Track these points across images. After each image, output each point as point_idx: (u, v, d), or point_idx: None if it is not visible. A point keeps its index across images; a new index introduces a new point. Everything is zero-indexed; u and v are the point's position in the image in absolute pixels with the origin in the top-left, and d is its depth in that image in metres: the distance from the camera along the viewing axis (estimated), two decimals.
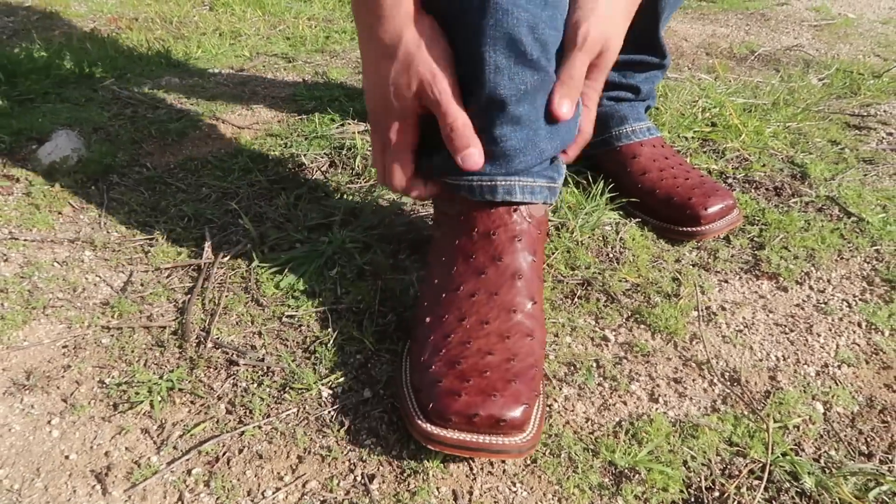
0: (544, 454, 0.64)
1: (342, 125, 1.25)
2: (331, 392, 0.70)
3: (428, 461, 0.63)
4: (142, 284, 0.86)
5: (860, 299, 0.86)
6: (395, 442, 0.65)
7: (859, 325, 0.82)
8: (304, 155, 1.15)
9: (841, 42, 2.06)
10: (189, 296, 0.83)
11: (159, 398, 0.69)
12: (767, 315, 0.84)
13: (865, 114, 1.45)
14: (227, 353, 0.75)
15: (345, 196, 1.03)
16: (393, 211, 1.00)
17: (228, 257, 0.90)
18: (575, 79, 0.67)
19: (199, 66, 1.57)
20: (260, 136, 1.22)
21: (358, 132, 1.21)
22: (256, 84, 1.47)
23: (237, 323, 0.80)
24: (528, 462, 0.63)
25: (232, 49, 1.72)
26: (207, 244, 0.92)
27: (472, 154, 0.65)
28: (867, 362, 0.77)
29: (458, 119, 0.64)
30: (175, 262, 0.90)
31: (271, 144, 1.19)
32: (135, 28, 1.89)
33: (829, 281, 0.89)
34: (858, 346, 0.79)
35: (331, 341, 0.77)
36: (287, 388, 0.70)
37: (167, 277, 0.87)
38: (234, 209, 1.01)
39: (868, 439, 0.68)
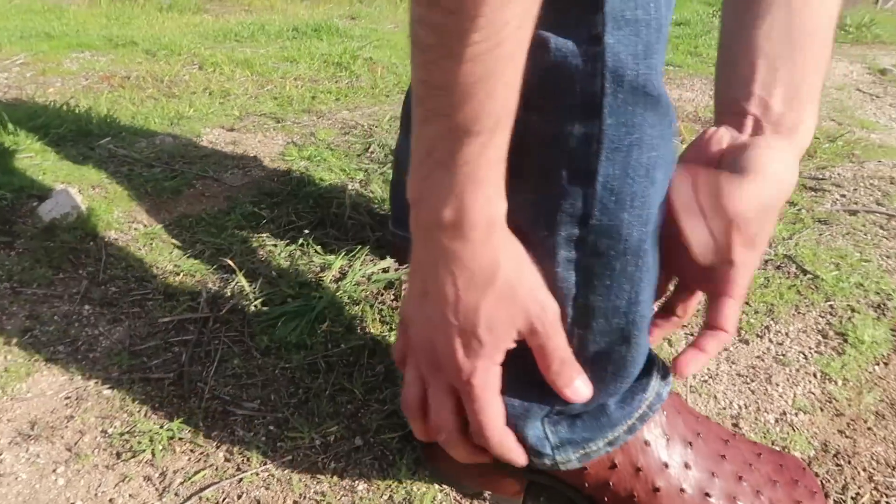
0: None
1: (331, 184, 1.31)
2: (323, 440, 0.75)
3: None
4: (140, 338, 0.90)
5: (815, 351, 0.93)
6: (386, 487, 0.69)
7: (815, 375, 0.89)
8: (295, 213, 1.20)
9: None
10: (186, 348, 0.87)
11: (160, 447, 0.72)
12: (730, 366, 0.90)
13: (821, 176, 1.55)
14: (224, 404, 0.79)
15: (334, 253, 1.08)
16: (381, 268, 1.05)
17: (223, 311, 0.95)
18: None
19: (191, 125, 1.64)
20: (252, 195, 1.28)
21: (347, 191, 1.28)
22: (247, 143, 1.54)
23: (233, 374, 0.84)
24: None
25: (222, 108, 1.79)
26: (203, 299, 0.97)
27: (581, 386, 0.54)
28: (822, 410, 0.83)
29: (566, 352, 0.52)
30: (172, 316, 0.94)
31: (263, 203, 1.24)
32: (126, 86, 1.95)
33: (787, 334, 0.96)
34: (814, 394, 0.85)
35: (322, 392, 0.81)
36: (282, 437, 0.74)
37: (165, 331, 0.91)
38: (229, 265, 1.05)
39: (823, 482, 0.73)
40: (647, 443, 0.60)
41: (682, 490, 0.59)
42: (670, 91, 2.29)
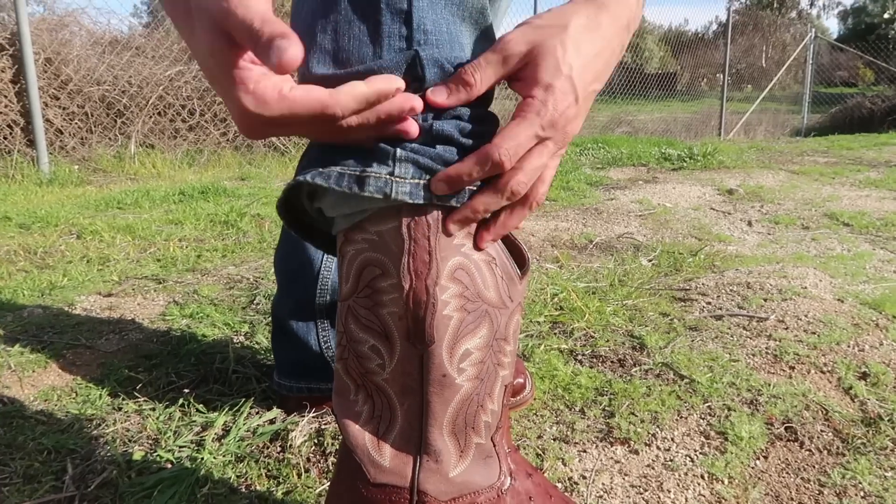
0: None
1: (214, 340, 1.28)
2: None
3: None
4: None
5: (700, 453, 0.96)
6: None
7: (702, 476, 0.91)
8: (175, 373, 1.16)
9: (663, 228, 2.39)
10: None
11: None
12: (623, 478, 0.91)
13: (688, 287, 1.67)
14: None
15: (218, 410, 1.04)
16: (267, 419, 1.01)
17: (92, 487, 0.87)
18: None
19: (64, 294, 1.57)
20: (129, 359, 1.22)
21: (231, 345, 1.24)
22: (125, 308, 1.49)
23: None
24: None
25: (100, 275, 1.74)
26: (68, 477, 0.89)
27: (286, 45, 0.45)
28: None
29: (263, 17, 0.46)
30: (32, 501, 0.85)
31: (141, 366, 1.19)
32: None
33: (672, 440, 0.99)
34: (704, 496, 0.87)
35: None
36: None
37: None
38: (99, 436, 0.98)
39: None
40: None
41: None
42: (547, 223, 2.44)
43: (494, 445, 0.63)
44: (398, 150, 0.54)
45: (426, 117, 0.55)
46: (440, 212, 0.55)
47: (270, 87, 0.48)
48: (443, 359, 0.58)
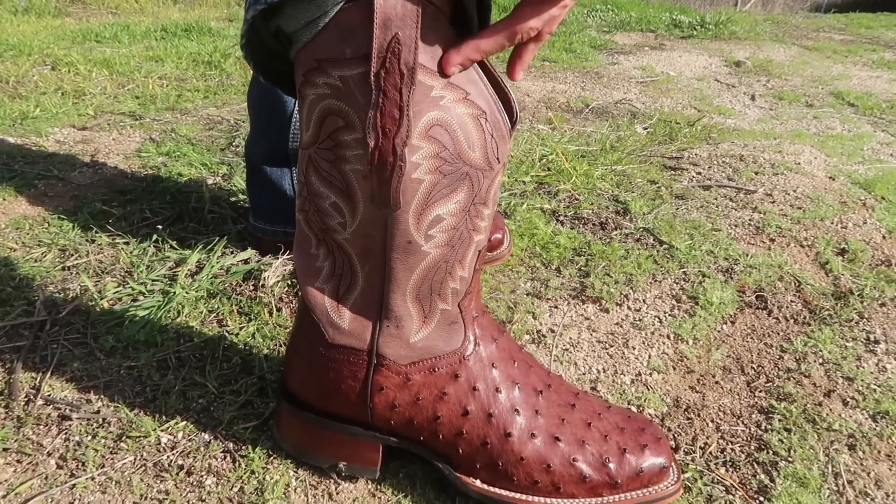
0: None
1: (190, 179, 1.25)
2: (171, 437, 0.70)
3: (268, 493, 0.64)
4: None
5: (670, 315, 0.97)
6: (237, 479, 0.65)
7: (668, 337, 0.92)
8: (149, 209, 1.14)
9: (664, 96, 2.31)
10: (18, 355, 0.80)
11: None
12: (591, 334, 0.92)
13: (680, 157, 1.63)
14: (59, 409, 0.72)
15: (192, 247, 1.03)
16: (241, 259, 1.01)
17: (64, 314, 0.87)
18: None
19: (36, 125, 1.52)
20: (102, 193, 1.19)
21: (207, 185, 1.22)
22: (100, 142, 1.44)
23: (71, 378, 0.77)
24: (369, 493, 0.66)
25: (75, 108, 1.67)
26: (40, 302, 0.89)
27: None
28: (674, 368, 0.86)
29: None
30: (3, 322, 0.86)
31: (115, 201, 1.17)
32: None
33: (644, 301, 1.00)
34: (667, 354, 0.89)
35: (172, 388, 0.76)
36: (123, 438, 0.69)
37: None
38: (72, 266, 0.98)
39: (675, 435, 0.76)
40: (497, 390, 0.60)
41: (533, 435, 0.59)
42: (544, 84, 2.35)
43: (461, 311, 0.61)
44: None
45: None
46: (414, 57, 0.49)
47: None
48: (409, 225, 0.54)
